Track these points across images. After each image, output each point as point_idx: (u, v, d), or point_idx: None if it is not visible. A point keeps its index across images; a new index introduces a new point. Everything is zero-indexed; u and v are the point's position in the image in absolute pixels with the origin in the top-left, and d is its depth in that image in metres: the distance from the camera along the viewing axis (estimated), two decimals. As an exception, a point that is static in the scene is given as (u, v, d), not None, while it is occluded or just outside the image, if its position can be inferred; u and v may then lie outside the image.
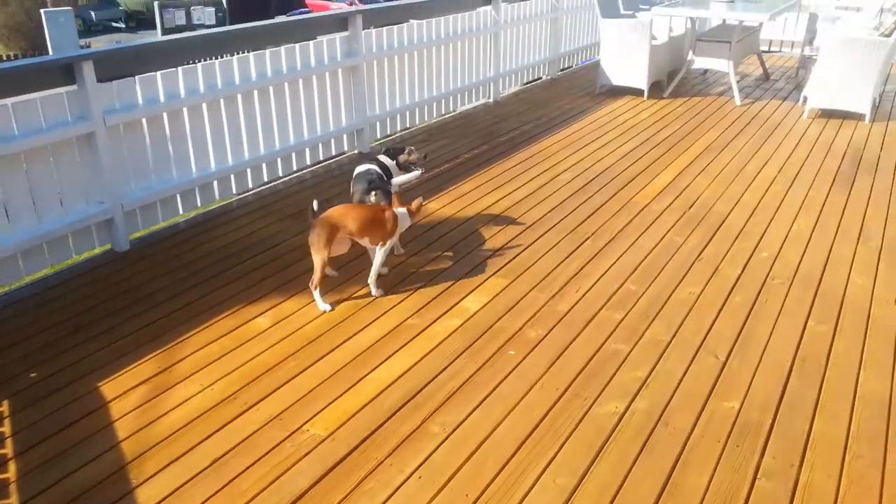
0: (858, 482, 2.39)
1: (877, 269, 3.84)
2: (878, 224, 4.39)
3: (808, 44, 8.34)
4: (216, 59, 4.54)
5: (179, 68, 4.27)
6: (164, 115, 4.24)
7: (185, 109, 4.34)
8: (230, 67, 4.56)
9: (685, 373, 2.98)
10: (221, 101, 4.55)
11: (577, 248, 4.12)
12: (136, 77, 4.07)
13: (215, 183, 4.63)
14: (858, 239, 4.20)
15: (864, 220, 4.46)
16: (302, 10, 29.64)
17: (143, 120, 4.14)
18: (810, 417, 2.70)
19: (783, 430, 2.64)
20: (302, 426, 2.69)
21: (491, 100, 7.50)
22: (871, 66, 6.44)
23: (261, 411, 2.78)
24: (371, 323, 3.37)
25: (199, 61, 4.52)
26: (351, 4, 26.69)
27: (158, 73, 4.16)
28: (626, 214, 4.56)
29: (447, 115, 6.89)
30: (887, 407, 2.76)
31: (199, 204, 4.58)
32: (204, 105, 4.45)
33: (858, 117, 6.66)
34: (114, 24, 26.20)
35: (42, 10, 4.11)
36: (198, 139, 4.47)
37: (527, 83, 8.30)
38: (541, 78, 8.52)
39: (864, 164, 5.47)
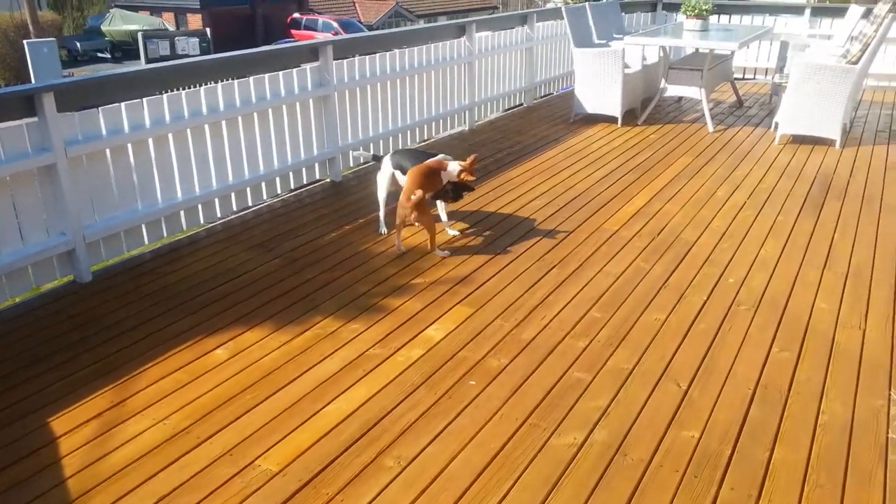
0: (816, 512, 2.36)
1: (842, 295, 3.84)
2: (844, 250, 4.40)
3: (779, 71, 8.44)
4: (196, 87, 4.56)
5: (144, 99, 4.26)
6: (129, 146, 4.22)
7: (150, 140, 4.32)
8: (197, 98, 4.56)
9: (646, 402, 2.95)
10: (188, 131, 4.53)
11: (544, 275, 4.10)
12: (100, 108, 4.06)
13: (182, 213, 4.60)
14: (825, 265, 4.20)
15: (831, 245, 4.47)
16: (287, 39, 29.96)
17: (107, 150, 4.12)
18: (770, 446, 2.68)
19: (743, 460, 2.60)
20: (254, 461, 2.63)
21: (467, 128, 7.54)
22: (840, 92, 6.52)
23: (213, 446, 2.72)
24: (332, 353, 3.33)
25: (177, 90, 4.53)
26: (336, 35, 26.95)
27: (122, 104, 4.14)
28: (594, 241, 4.55)
29: (422, 144, 6.90)
30: (848, 434, 2.74)
31: (164, 234, 4.54)
32: (170, 135, 4.43)
33: (829, 143, 6.72)
34: (99, 55, 26.32)
35: (25, 42, 4.11)
36: (164, 169, 4.45)
37: (506, 110, 8.35)
38: (520, 105, 8.58)
39: (833, 190, 5.50)
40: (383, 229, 4.71)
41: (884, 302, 3.75)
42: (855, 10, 8.13)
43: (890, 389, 2.99)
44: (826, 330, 3.49)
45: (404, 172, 4.55)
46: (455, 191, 4.51)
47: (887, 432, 2.72)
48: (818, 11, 10.12)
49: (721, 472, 2.54)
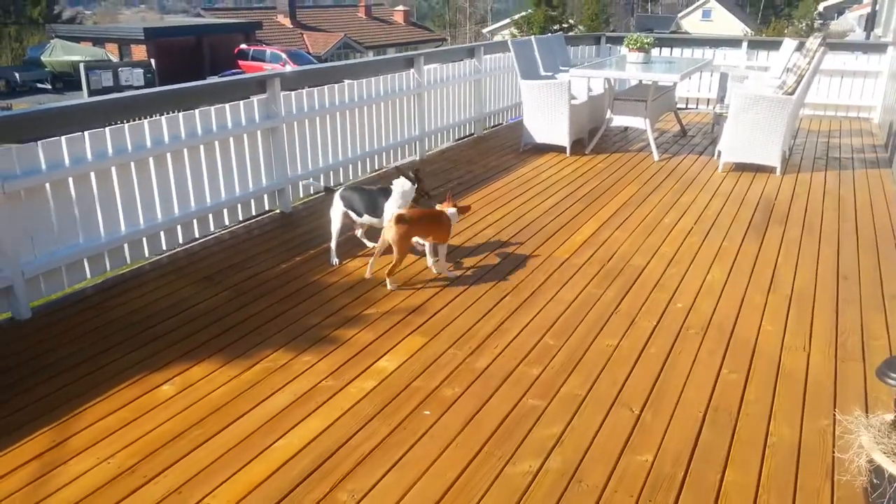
0: (768, 532, 2.39)
1: (787, 317, 3.94)
2: (788, 273, 4.52)
3: (720, 101, 8.72)
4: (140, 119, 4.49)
5: (86, 132, 4.17)
6: (70, 180, 4.11)
7: (92, 173, 4.22)
8: (141, 130, 4.48)
9: (600, 427, 2.96)
10: (132, 164, 4.45)
11: (497, 303, 4.11)
12: (39, 142, 3.95)
13: (126, 246, 4.49)
14: (770, 288, 4.31)
15: (775, 269, 4.59)
16: (235, 70, 29.78)
17: (47, 185, 4.00)
18: (722, 468, 2.71)
19: (695, 482, 2.62)
20: (202, 500, 2.55)
21: (417, 158, 7.57)
22: (778, 122, 6.75)
23: (159, 485, 2.63)
24: (283, 387, 3.26)
25: (121, 122, 4.45)
26: (284, 66, 26.90)
27: (63, 138, 4.05)
28: (546, 269, 4.59)
29: (373, 174, 6.90)
30: (796, 454, 2.79)
31: (108, 268, 4.42)
32: (113, 168, 4.34)
33: (770, 170, 6.94)
34: (39, 86, 25.75)
35: (-41, 72, 3.99)
36: (107, 202, 4.34)
37: (456, 140, 8.42)
38: (471, 135, 8.66)
39: (775, 215, 5.67)
40: (335, 260, 4.67)
41: (826, 323, 3.86)
42: (788, 44, 8.46)
43: (835, 409, 3.06)
44: (772, 352, 3.56)
45: (354, 209, 4.59)
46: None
47: (833, 452, 2.77)
48: (754, 44, 10.52)
49: (675, 495, 2.56)
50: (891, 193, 6.27)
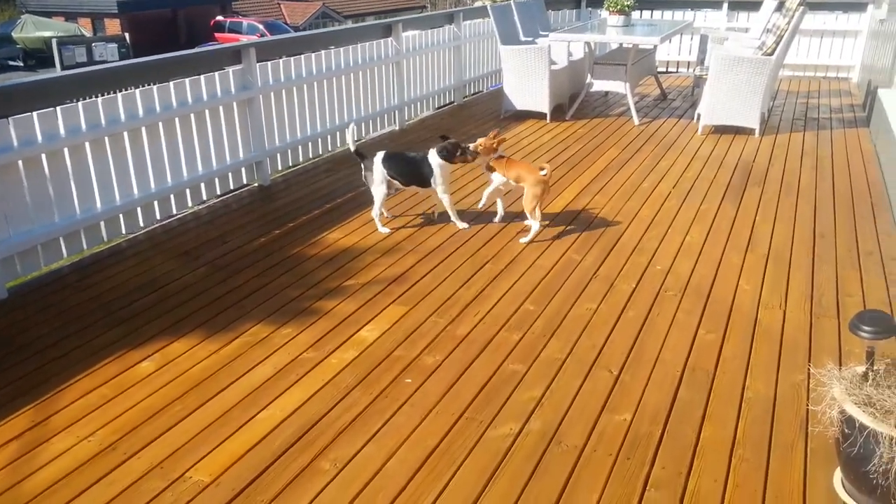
0: (743, 485, 2.43)
1: (764, 276, 3.98)
2: (765, 233, 4.55)
3: (700, 64, 8.70)
4: (114, 93, 4.42)
5: (58, 108, 4.10)
6: (43, 157, 4.06)
7: (66, 150, 4.16)
8: (115, 105, 4.42)
9: (579, 389, 2.99)
10: (106, 138, 4.38)
11: (478, 271, 4.12)
12: (10, 118, 3.89)
13: (102, 224, 4.44)
14: (747, 248, 4.34)
15: (752, 229, 4.62)
16: (211, 43, 29.33)
17: (19, 162, 3.95)
18: (699, 425, 2.75)
19: (672, 440, 2.66)
20: (185, 473, 2.56)
21: (397, 127, 7.52)
22: (757, 83, 6.75)
23: (142, 460, 2.64)
24: (264, 360, 3.26)
25: (94, 97, 4.38)
26: (261, 37, 26.51)
27: (35, 114, 3.98)
28: (526, 235, 4.59)
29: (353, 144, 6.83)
30: (771, 409, 2.83)
31: (84, 246, 4.38)
32: (87, 144, 4.28)
33: (749, 132, 6.96)
34: (10, 63, 25.24)
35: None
36: (81, 179, 4.29)
37: (437, 108, 8.36)
38: (451, 103, 8.60)
39: (753, 177, 5.69)
40: (383, 229, 4.71)
41: (802, 281, 3.90)
42: (769, 4, 8.43)
43: (809, 364, 3.10)
44: (749, 310, 3.60)
45: (400, 177, 4.62)
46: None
47: (807, 405, 2.82)
48: (735, 5, 10.45)
49: (652, 452, 2.60)
50: (868, 153, 6.31)
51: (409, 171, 4.61)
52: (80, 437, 2.77)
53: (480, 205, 4.81)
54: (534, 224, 4.49)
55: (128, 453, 2.67)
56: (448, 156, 4.52)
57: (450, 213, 4.72)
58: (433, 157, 4.55)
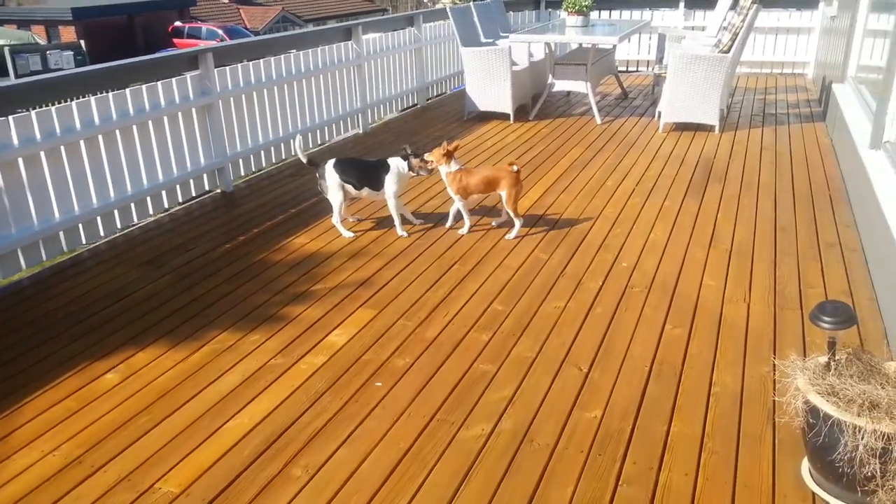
0: (714, 478, 2.46)
1: (727, 270, 4.04)
2: (728, 228, 4.63)
3: (658, 62, 8.81)
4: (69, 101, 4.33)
5: (10, 117, 4.01)
6: (-4, 167, 3.96)
7: (20, 160, 4.07)
8: (70, 113, 4.32)
9: (550, 387, 3.00)
10: (62, 147, 4.29)
11: (445, 272, 4.11)
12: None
13: (62, 234, 4.35)
14: (710, 243, 4.40)
15: (715, 225, 4.69)
16: (170, 49, 28.92)
17: (-28, 173, 3.85)
18: (668, 419, 2.77)
19: (643, 435, 2.69)
20: (153, 485, 2.51)
21: (361, 131, 7.49)
22: (715, 80, 6.86)
23: (108, 473, 2.58)
24: (231, 367, 3.22)
25: (49, 106, 4.28)
26: (221, 42, 26.19)
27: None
28: (492, 236, 4.61)
29: (315, 149, 6.80)
30: (739, 401, 2.87)
31: (44, 258, 4.29)
32: (42, 153, 4.18)
33: (709, 129, 7.07)
34: (-38, 74, 24.55)
35: None
36: (38, 190, 4.19)
37: (401, 111, 8.35)
38: (414, 106, 8.59)
39: (714, 173, 5.78)
40: (347, 234, 4.68)
41: (765, 275, 3.96)
42: (724, 2, 8.56)
43: (774, 356, 3.15)
44: (714, 305, 3.65)
45: (352, 182, 4.57)
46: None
47: (773, 396, 2.87)
48: (691, 4, 10.61)
49: (623, 448, 2.62)
50: (825, 146, 6.44)
51: (362, 175, 4.58)
52: (45, 452, 2.70)
53: (464, 230, 4.70)
54: (517, 221, 4.54)
55: (94, 466, 2.62)
56: (411, 167, 4.57)
57: (394, 217, 4.67)
58: (395, 162, 4.55)
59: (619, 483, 2.45)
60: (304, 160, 4.67)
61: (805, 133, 6.93)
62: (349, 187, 4.59)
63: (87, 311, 3.78)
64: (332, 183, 4.55)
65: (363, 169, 4.61)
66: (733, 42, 6.85)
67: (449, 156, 4.48)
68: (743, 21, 6.80)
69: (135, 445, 2.72)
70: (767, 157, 6.14)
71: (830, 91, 7.04)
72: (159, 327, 3.57)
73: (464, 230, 4.67)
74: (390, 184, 4.56)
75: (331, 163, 4.55)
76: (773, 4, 9.69)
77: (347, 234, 4.66)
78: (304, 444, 2.70)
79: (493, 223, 4.78)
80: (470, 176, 4.52)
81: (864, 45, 6.36)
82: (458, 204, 4.62)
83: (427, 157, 4.52)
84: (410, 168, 4.56)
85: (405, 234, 4.66)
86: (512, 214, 4.52)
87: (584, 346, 3.30)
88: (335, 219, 4.67)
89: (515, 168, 4.47)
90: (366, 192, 4.63)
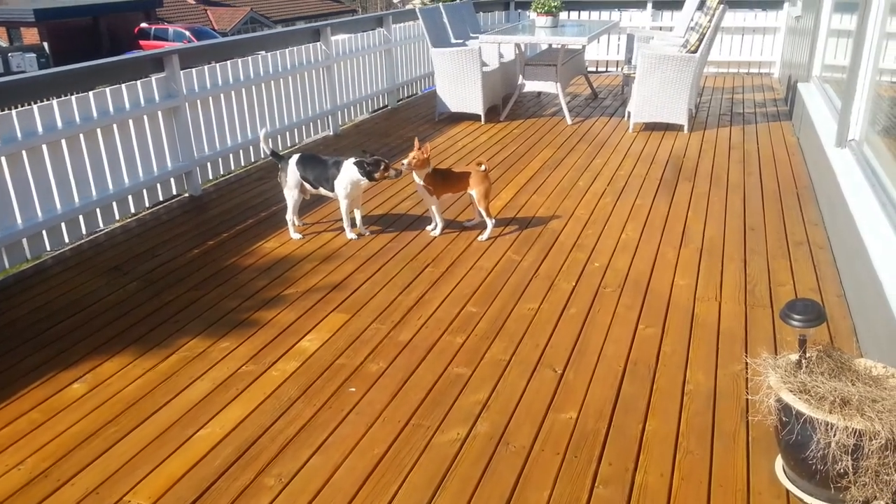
0: (689, 477, 2.47)
1: (698, 269, 4.06)
2: (698, 227, 4.66)
3: (627, 63, 8.86)
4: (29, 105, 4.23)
5: (-30, 119, 3.91)
6: (-44, 172, 3.86)
7: (-20, 164, 3.97)
8: (31, 116, 4.23)
9: (525, 389, 2.99)
10: (24, 152, 4.19)
11: (418, 275, 4.09)
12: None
13: (24, 241, 4.25)
14: (681, 243, 4.43)
15: (685, 224, 4.72)
16: (136, 51, 28.49)
17: (-70, 178, 3.74)
18: (643, 418, 2.78)
19: (618, 435, 2.69)
20: (122, 498, 2.45)
21: (331, 132, 7.43)
22: (683, 80, 6.92)
23: (76, 487, 2.52)
24: (202, 375, 3.16)
25: (9, 109, 4.18)
26: (188, 43, 25.87)
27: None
28: (465, 237, 4.59)
29: (285, 151, 6.73)
30: (712, 400, 2.88)
31: (6, 265, 4.18)
32: (2, 159, 4.08)
33: (678, 128, 7.13)
34: (-79, 77, 23.93)
35: None
36: (-1, 195, 4.10)
37: (371, 112, 8.30)
38: (385, 107, 8.55)
39: (684, 172, 5.82)
40: (295, 235, 4.65)
41: (735, 273, 4.00)
42: (690, 3, 8.64)
43: (746, 354, 3.17)
44: (686, 304, 3.67)
45: (309, 180, 4.55)
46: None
47: (746, 394, 2.89)
48: (659, 5, 10.70)
49: (599, 449, 2.61)
50: (792, 145, 6.53)
51: (318, 174, 4.54)
52: (9, 466, 2.63)
53: (437, 232, 4.65)
54: (489, 221, 4.54)
55: (61, 480, 2.55)
56: (368, 174, 4.39)
57: (344, 219, 4.61)
58: (348, 167, 4.43)
59: (596, 485, 2.44)
60: (268, 150, 4.67)
61: (772, 132, 7.02)
62: (307, 185, 4.56)
63: (52, 319, 3.69)
64: (291, 179, 4.52)
65: (322, 168, 4.55)
66: (700, 42, 6.92)
67: (427, 160, 4.40)
68: (710, 21, 6.87)
69: (102, 457, 2.66)
70: (736, 156, 6.21)
71: (796, 90, 7.14)
72: (127, 335, 3.50)
73: (436, 231, 4.64)
74: (339, 188, 4.49)
75: (294, 158, 4.53)
76: (739, 5, 9.82)
77: (295, 236, 4.62)
78: (277, 452, 2.66)
79: (465, 223, 4.76)
80: (443, 176, 4.50)
81: (829, 44, 6.46)
82: (431, 205, 4.59)
83: (404, 162, 4.32)
84: (368, 177, 4.40)
85: (354, 236, 4.61)
86: (484, 214, 4.51)
87: (558, 347, 3.29)
88: (289, 216, 4.62)
89: (483, 167, 4.46)
90: (322, 190, 4.60)
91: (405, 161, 4.32)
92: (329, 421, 2.83)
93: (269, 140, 4.58)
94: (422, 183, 4.45)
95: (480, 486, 2.46)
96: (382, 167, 4.40)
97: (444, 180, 4.50)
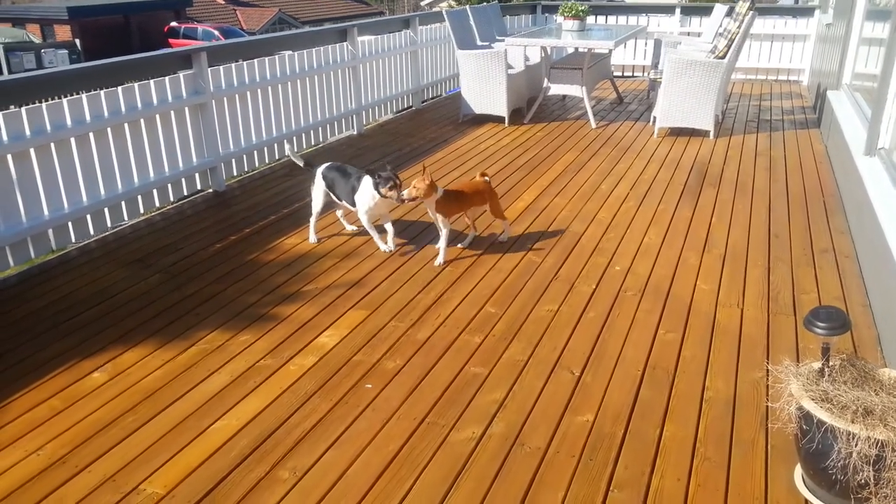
0: (706, 484, 2.44)
1: (721, 275, 4.02)
2: (721, 233, 4.61)
3: (654, 68, 8.80)
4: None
5: (0, 113, 3.97)
6: (-14, 163, 3.92)
7: (9, 157, 4.02)
8: (60, 110, 4.28)
9: (541, 391, 2.97)
10: (52, 144, 4.25)
11: (438, 275, 4.08)
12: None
13: (50, 232, 4.31)
14: (704, 248, 4.39)
15: (709, 230, 4.67)
16: (166, 49, 28.80)
17: (-39, 168, 3.81)
18: (660, 424, 2.75)
19: (635, 439, 2.66)
20: (138, 485, 2.48)
21: (355, 132, 7.46)
22: (710, 86, 6.85)
23: (93, 474, 2.54)
24: (220, 368, 3.18)
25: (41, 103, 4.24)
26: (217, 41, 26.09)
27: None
28: (485, 239, 4.58)
29: (309, 150, 6.77)
30: (731, 406, 2.85)
31: (32, 255, 4.24)
32: (32, 150, 4.14)
33: (704, 134, 7.06)
34: (-44, 71, 24.46)
35: None
36: (27, 186, 4.15)
37: (396, 113, 8.33)
38: (409, 108, 8.57)
39: (708, 178, 5.77)
40: (313, 238, 4.58)
41: (758, 280, 3.95)
42: (720, 9, 8.58)
43: (767, 361, 3.13)
44: (707, 310, 3.63)
45: (335, 192, 4.41)
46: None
47: (766, 402, 2.85)
48: (687, 10, 10.64)
49: (615, 452, 2.59)
50: (819, 153, 6.44)
51: (342, 186, 4.37)
52: (29, 451, 2.66)
53: (440, 260, 4.24)
54: (507, 224, 4.56)
55: (79, 467, 2.58)
56: (376, 186, 4.11)
57: (370, 232, 4.41)
58: (367, 182, 4.20)
59: (611, 488, 2.42)
60: (301, 164, 4.61)
61: (800, 139, 6.93)
62: (332, 196, 4.47)
63: (75, 309, 3.73)
64: (317, 187, 4.49)
65: (346, 180, 4.38)
66: (729, 48, 6.85)
67: (433, 185, 4.06)
68: (739, 27, 6.81)
69: (120, 446, 2.69)
70: (762, 163, 6.14)
71: (825, 98, 7.04)
72: (148, 326, 3.53)
73: (440, 259, 4.24)
74: (359, 202, 4.29)
75: (323, 167, 4.48)
76: (770, 12, 9.72)
77: (312, 239, 4.58)
78: (293, 445, 2.67)
79: (499, 237, 4.58)
80: (457, 198, 4.23)
81: (860, 52, 6.37)
82: (441, 228, 4.22)
83: (411, 191, 3.99)
84: (374, 188, 4.14)
85: (386, 248, 4.38)
86: (501, 218, 4.49)
87: (576, 350, 3.27)
88: (312, 220, 4.59)
89: (487, 178, 4.38)
90: (344, 203, 4.43)
91: (405, 193, 4.01)
92: (345, 416, 2.84)
93: (293, 150, 4.49)
94: (435, 212, 4.15)
95: (494, 485, 2.44)
96: (389, 185, 4.06)
97: (458, 201, 4.24)
